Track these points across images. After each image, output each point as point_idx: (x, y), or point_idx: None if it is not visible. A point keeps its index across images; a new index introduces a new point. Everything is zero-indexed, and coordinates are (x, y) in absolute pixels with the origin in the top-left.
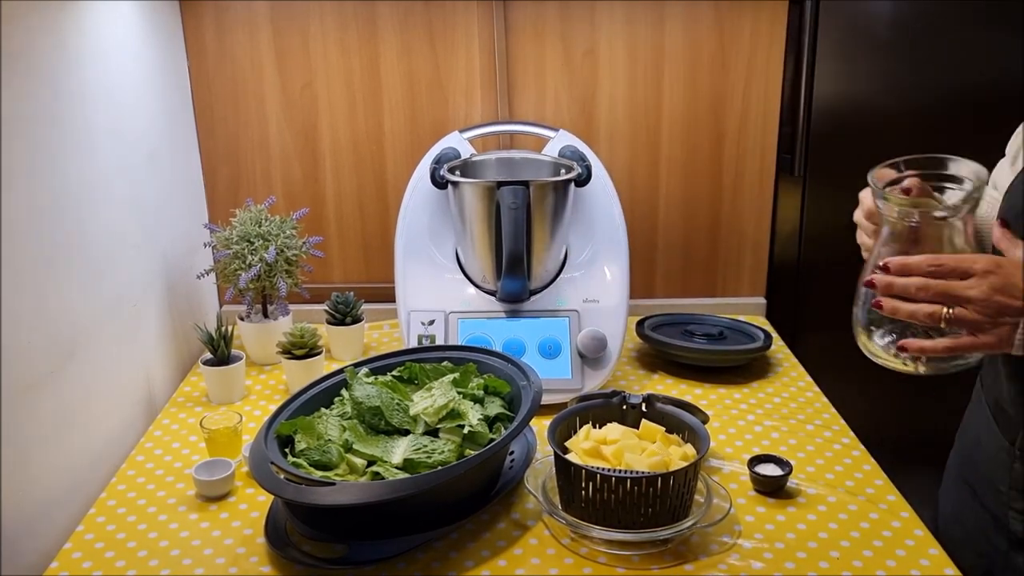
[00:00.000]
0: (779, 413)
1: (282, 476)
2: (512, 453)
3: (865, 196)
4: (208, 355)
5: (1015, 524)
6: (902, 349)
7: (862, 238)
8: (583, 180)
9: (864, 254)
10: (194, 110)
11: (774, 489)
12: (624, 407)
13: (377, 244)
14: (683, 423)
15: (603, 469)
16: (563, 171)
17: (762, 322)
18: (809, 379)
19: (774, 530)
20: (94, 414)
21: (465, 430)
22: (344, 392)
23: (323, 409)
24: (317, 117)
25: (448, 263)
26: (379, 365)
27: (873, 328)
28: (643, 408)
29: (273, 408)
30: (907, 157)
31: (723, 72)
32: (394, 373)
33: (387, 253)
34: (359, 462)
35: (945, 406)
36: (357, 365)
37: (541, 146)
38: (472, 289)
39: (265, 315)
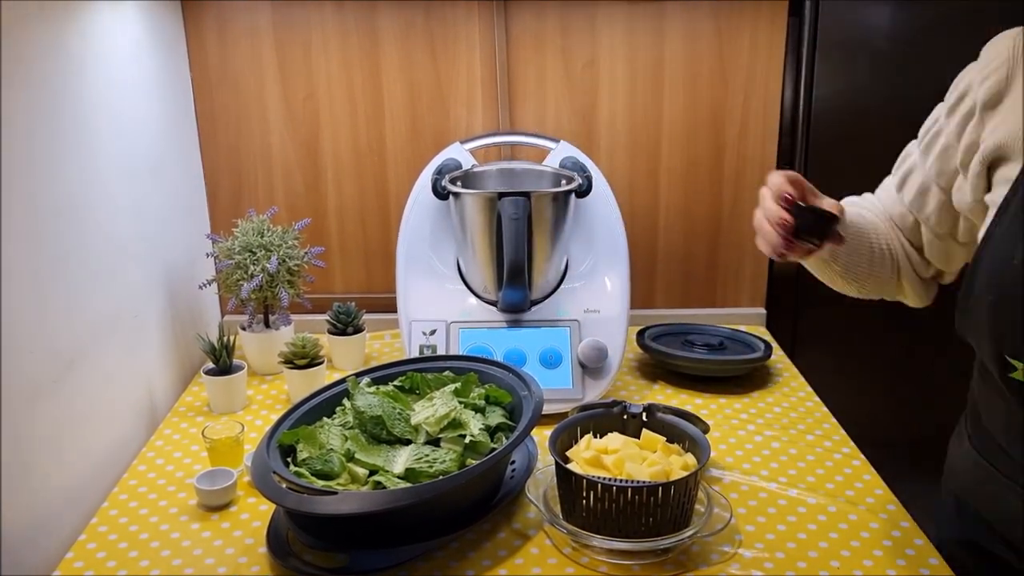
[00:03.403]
0: (779, 423)
1: (284, 485)
2: (513, 463)
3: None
4: (210, 365)
5: None
6: None
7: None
8: (584, 191)
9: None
10: (196, 120)
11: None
12: (625, 417)
13: (378, 254)
14: (684, 433)
15: (604, 479)
16: (564, 182)
17: (762, 332)
18: (809, 389)
19: (775, 539)
20: (96, 423)
21: (466, 440)
22: (346, 402)
23: (325, 419)
24: (319, 128)
25: (449, 273)
26: (381, 375)
27: None
28: (644, 418)
29: (275, 418)
30: None
31: (723, 83)
32: (395, 383)
33: (388, 263)
34: (361, 471)
35: (945, 415)
36: (359, 375)
37: (542, 157)
38: (473, 299)
39: (267, 325)
